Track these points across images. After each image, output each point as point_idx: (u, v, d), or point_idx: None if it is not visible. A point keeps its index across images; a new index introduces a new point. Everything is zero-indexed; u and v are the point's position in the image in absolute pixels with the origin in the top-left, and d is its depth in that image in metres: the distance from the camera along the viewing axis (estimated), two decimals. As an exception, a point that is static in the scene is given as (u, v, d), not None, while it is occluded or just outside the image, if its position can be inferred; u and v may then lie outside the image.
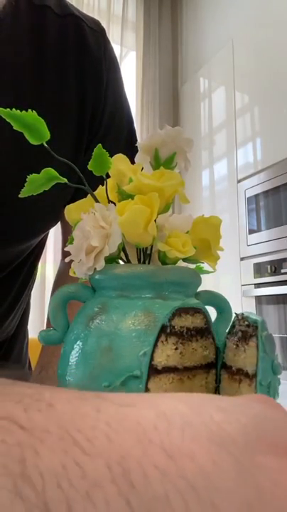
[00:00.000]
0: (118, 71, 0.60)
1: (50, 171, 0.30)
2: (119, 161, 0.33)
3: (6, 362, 0.75)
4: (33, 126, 0.29)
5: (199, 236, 0.31)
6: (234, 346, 0.28)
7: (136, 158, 0.34)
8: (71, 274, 0.33)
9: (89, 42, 0.55)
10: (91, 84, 0.55)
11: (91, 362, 0.27)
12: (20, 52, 0.51)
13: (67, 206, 0.34)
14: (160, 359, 0.26)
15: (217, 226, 0.32)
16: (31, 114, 0.29)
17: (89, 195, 0.33)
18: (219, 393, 0.29)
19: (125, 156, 0.33)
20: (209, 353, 0.29)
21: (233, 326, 0.29)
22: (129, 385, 0.25)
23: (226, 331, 0.32)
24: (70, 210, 0.34)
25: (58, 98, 0.53)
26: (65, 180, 0.31)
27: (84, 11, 2.69)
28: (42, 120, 0.29)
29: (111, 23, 2.98)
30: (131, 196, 0.31)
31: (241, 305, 2.35)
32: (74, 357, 0.28)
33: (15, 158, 0.53)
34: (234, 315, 0.29)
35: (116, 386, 0.25)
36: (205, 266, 0.34)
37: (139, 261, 0.32)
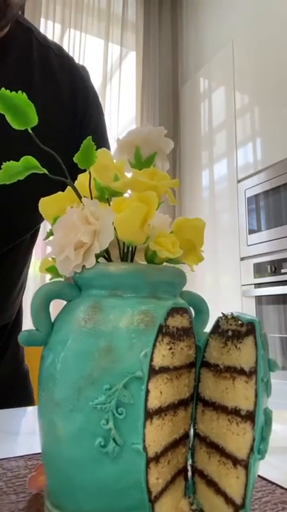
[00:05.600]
0: (98, 99, 0.81)
1: (29, 159, 0.29)
2: (104, 156, 0.31)
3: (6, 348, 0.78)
4: (20, 109, 0.27)
5: (182, 237, 0.31)
6: (221, 345, 0.28)
7: (114, 154, 0.33)
8: (41, 271, 0.31)
9: (80, 75, 0.77)
10: (80, 100, 0.74)
11: (89, 363, 0.25)
12: (31, 73, 0.68)
13: (43, 199, 0.32)
14: (158, 359, 0.25)
15: (200, 228, 0.31)
16: (21, 96, 0.27)
17: (67, 188, 0.31)
18: (198, 391, 0.29)
19: (109, 151, 0.32)
20: (192, 352, 0.29)
21: (217, 326, 0.28)
22: (131, 387, 0.24)
23: (205, 330, 0.32)
24: (46, 204, 0.32)
25: (55, 106, 0.71)
26: (45, 170, 0.29)
27: (84, 11, 2.69)
28: (32, 104, 0.28)
29: (111, 23, 2.97)
30: (116, 193, 0.30)
31: (241, 305, 2.34)
32: (65, 359, 0.26)
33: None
34: (220, 314, 0.28)
35: (119, 389, 0.24)
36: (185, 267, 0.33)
37: (122, 259, 0.31)
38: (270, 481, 0.37)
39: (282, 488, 0.35)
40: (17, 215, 0.67)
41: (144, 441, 0.24)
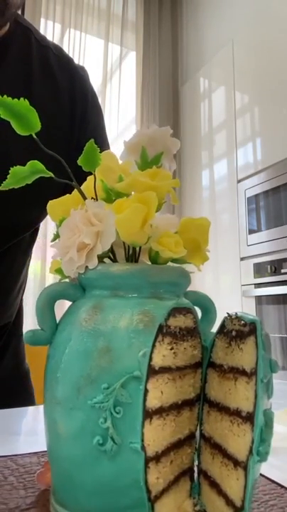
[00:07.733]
0: (97, 99, 0.82)
1: (35, 163, 0.29)
2: (108, 157, 0.32)
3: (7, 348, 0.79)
4: (23, 115, 0.28)
5: (187, 236, 0.31)
6: (226, 345, 0.28)
7: (121, 156, 0.34)
8: (51, 272, 0.32)
9: (80, 76, 0.78)
10: (79, 100, 0.76)
11: (88, 363, 0.26)
12: (31, 72, 0.70)
13: (50, 202, 0.33)
14: (157, 359, 0.26)
15: (205, 227, 0.32)
16: (23, 103, 0.28)
17: (74, 190, 0.32)
18: (204, 391, 0.29)
19: (113, 153, 0.33)
20: (197, 352, 0.29)
21: (223, 326, 0.28)
22: (129, 387, 0.25)
23: (212, 330, 0.32)
24: (54, 206, 0.33)
25: (55, 106, 0.72)
26: (51, 174, 0.30)
27: (84, 11, 2.69)
28: (34, 110, 0.28)
29: (111, 23, 2.97)
30: (121, 194, 0.30)
31: (241, 305, 2.34)
32: (67, 358, 0.27)
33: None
34: (225, 315, 0.28)
35: (116, 388, 0.25)
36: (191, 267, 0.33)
37: (127, 260, 0.31)
38: (279, 484, 0.36)
39: (291, 491, 0.34)
40: (15, 213, 0.67)
41: (143, 440, 0.24)
